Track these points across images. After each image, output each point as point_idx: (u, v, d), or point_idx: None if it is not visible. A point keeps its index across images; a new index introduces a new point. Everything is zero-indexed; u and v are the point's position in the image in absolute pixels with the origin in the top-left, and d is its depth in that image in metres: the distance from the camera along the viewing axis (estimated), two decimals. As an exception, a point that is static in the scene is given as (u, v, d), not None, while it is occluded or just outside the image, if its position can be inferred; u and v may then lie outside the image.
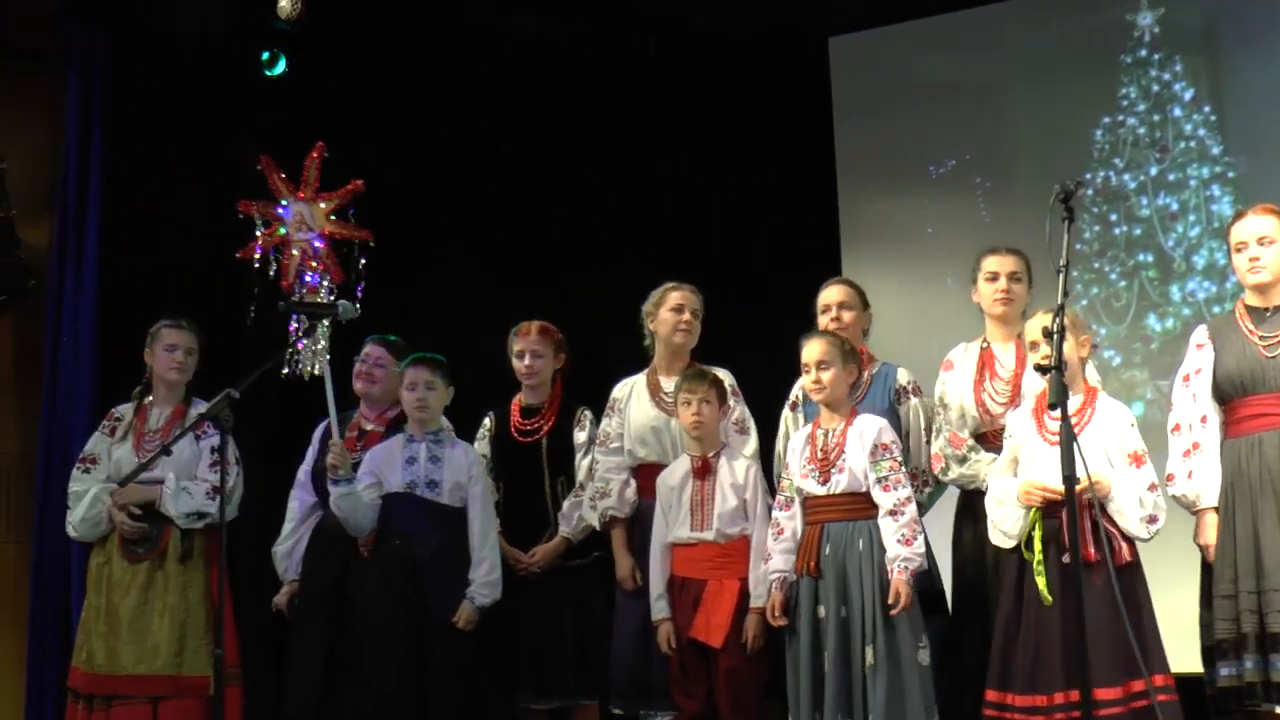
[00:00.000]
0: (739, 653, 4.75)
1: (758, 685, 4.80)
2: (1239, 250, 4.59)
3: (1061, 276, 3.87)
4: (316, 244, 5.24)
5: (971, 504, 4.86)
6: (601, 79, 7.54)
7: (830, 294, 5.17)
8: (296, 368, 5.02)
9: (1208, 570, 4.52)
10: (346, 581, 5.13)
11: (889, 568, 4.52)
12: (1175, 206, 6.75)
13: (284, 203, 5.22)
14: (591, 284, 6.95)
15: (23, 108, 6.45)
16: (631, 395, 5.26)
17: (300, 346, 5.15)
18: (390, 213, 6.53)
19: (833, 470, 4.66)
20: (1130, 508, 4.33)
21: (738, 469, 4.91)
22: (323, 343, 5.08)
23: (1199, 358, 4.63)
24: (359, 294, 5.77)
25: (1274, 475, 4.40)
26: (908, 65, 7.44)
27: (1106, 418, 4.47)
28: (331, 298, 5.24)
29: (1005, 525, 4.52)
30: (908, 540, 4.53)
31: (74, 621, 5.63)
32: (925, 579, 4.68)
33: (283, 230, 5.23)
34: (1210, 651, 4.47)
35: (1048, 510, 4.39)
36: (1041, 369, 4.01)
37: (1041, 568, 4.35)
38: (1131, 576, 4.31)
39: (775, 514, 4.79)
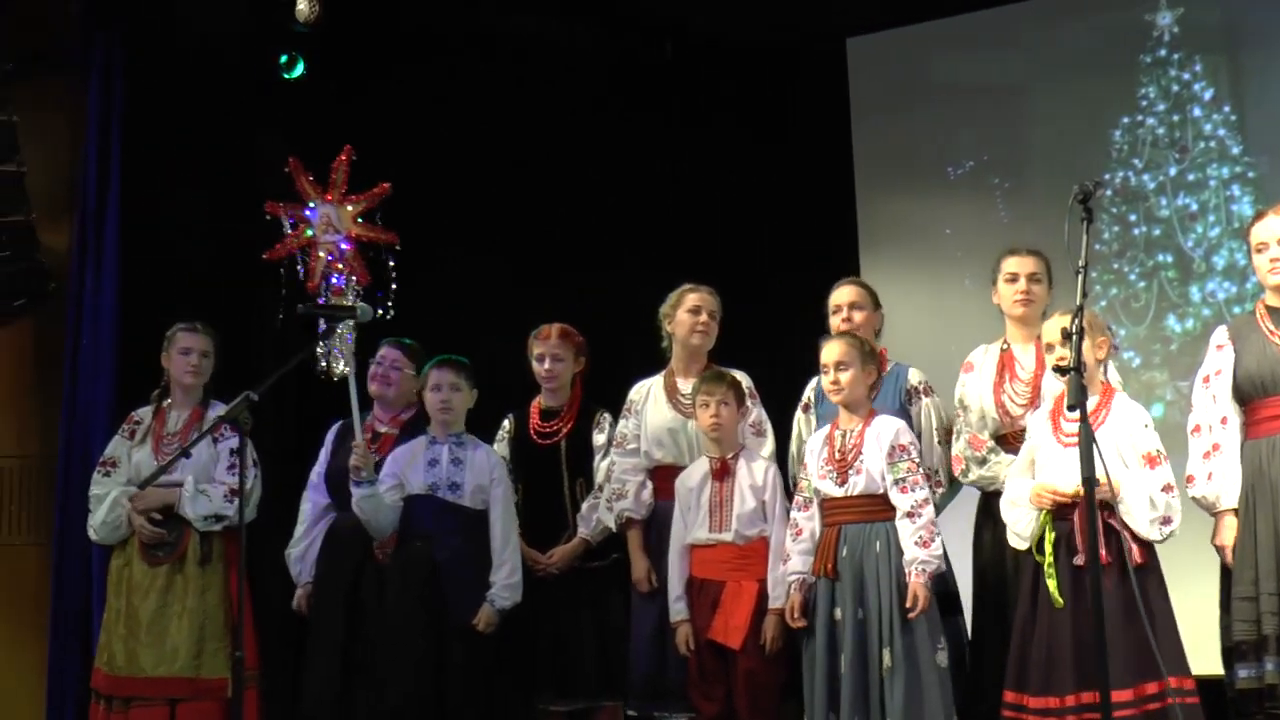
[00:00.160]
0: (757, 654, 4.75)
1: (776, 687, 4.79)
2: (1259, 251, 4.58)
3: (1080, 277, 3.85)
4: (343, 246, 5.26)
5: (991, 506, 4.85)
6: (616, 82, 7.55)
7: (841, 294, 5.17)
8: (332, 367, 5.04)
9: (1228, 572, 4.50)
10: (361, 583, 5.14)
11: (906, 570, 4.51)
12: (1195, 207, 6.72)
13: (311, 205, 5.24)
14: (609, 286, 6.95)
15: (43, 111, 6.47)
16: (648, 397, 5.26)
17: (324, 348, 5.17)
18: (401, 213, 6.54)
19: (850, 472, 4.65)
20: (1140, 509, 4.29)
21: (756, 470, 4.91)
22: (350, 344, 5.10)
23: (1219, 359, 4.62)
24: (382, 294, 5.77)
25: (1294, 476, 4.39)
26: (926, 66, 7.43)
27: (1121, 418, 4.45)
28: (357, 299, 5.26)
29: (1018, 527, 4.52)
30: (925, 542, 4.52)
31: (94, 622, 5.67)
32: (939, 580, 4.67)
33: (310, 232, 5.24)
34: (1230, 653, 4.45)
35: (1058, 512, 4.38)
36: (1060, 370, 3.99)
37: (1052, 570, 4.34)
38: (1146, 578, 4.27)
39: (794, 514, 4.79)
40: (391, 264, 5.20)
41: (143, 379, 5.54)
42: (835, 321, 5.10)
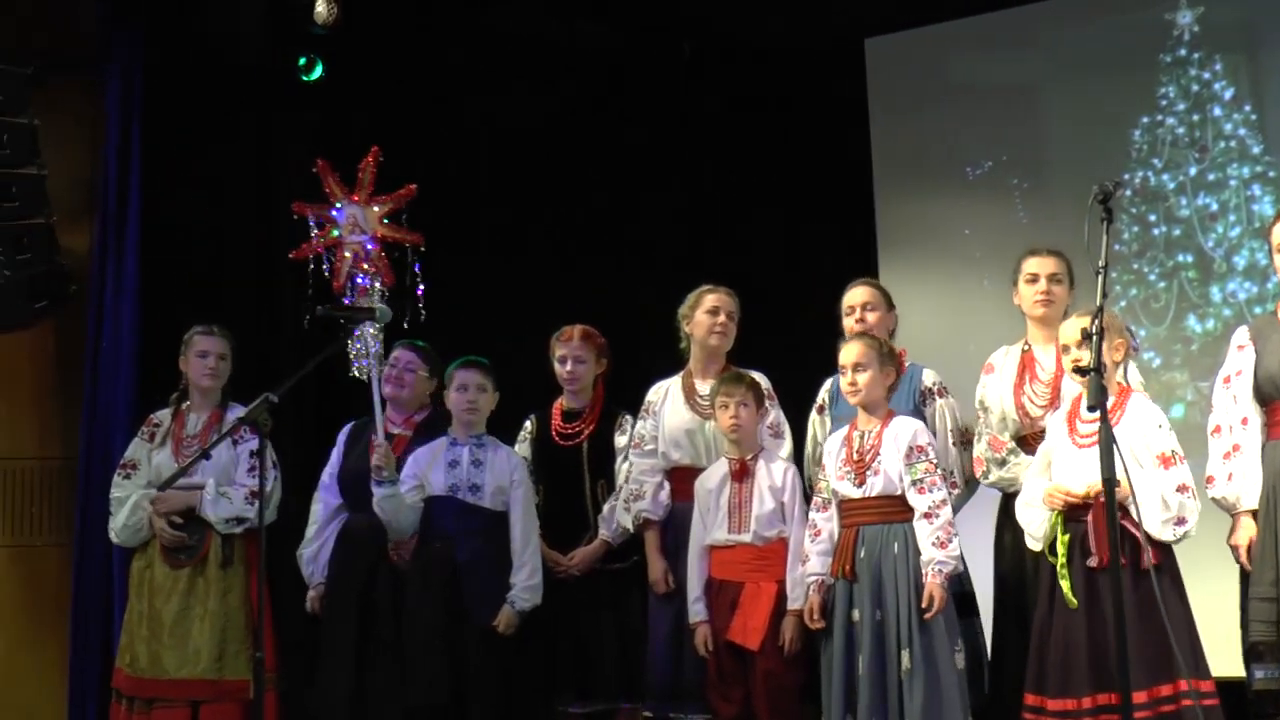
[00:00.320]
0: (776, 655, 4.74)
1: (795, 688, 4.79)
2: (1281, 251, 4.56)
3: (1100, 278, 3.84)
4: (369, 246, 5.26)
5: (1012, 508, 4.81)
6: (636, 82, 7.55)
7: (855, 295, 5.16)
8: (365, 368, 5.05)
9: (1248, 573, 4.48)
10: (377, 583, 5.15)
11: (924, 571, 4.51)
12: (1215, 207, 6.70)
13: (338, 205, 5.25)
14: (627, 287, 6.95)
15: (63, 114, 6.49)
16: (666, 398, 5.25)
17: (355, 349, 5.18)
18: (419, 214, 6.55)
19: (868, 473, 4.65)
20: (1152, 510, 4.27)
21: (775, 471, 4.91)
22: (376, 345, 5.10)
23: (1240, 359, 4.60)
24: (422, 292, 5.76)
25: (1315, 477, 4.37)
26: (944, 66, 7.42)
27: (1135, 419, 4.43)
28: (383, 299, 5.27)
29: (1031, 528, 4.52)
30: (943, 543, 4.52)
31: (115, 622, 5.68)
32: (956, 581, 4.67)
33: (336, 232, 5.25)
34: (1249, 654, 4.43)
35: (1071, 514, 4.37)
36: (1081, 370, 3.98)
37: (1065, 570, 4.34)
38: (1162, 580, 4.23)
39: (812, 515, 4.79)
40: (418, 267, 5.20)
41: (163, 380, 5.57)
42: (849, 323, 5.10)
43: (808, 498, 4.90)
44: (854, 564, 4.60)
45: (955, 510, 4.80)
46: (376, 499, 4.98)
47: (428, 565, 5.00)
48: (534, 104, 7.38)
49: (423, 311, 5.29)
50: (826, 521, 4.74)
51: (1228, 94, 6.73)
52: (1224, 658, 4.50)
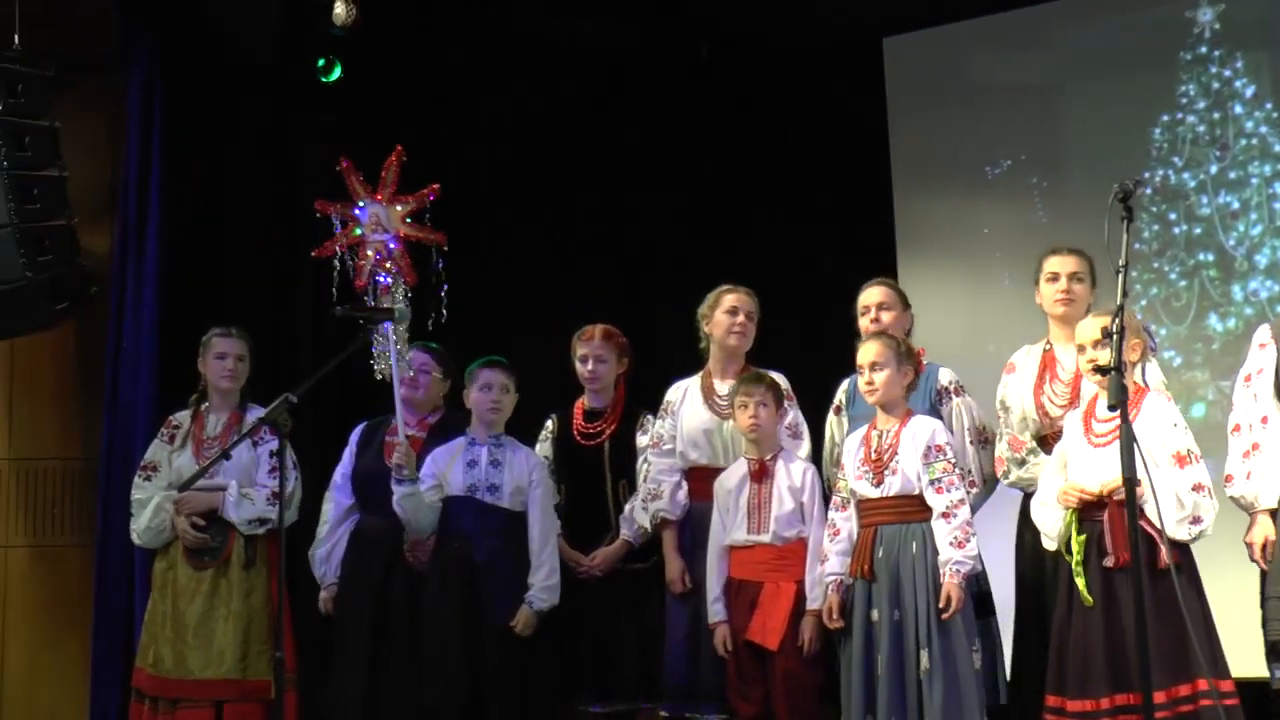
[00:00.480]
0: (795, 655, 4.74)
1: (814, 688, 4.79)
2: (1302, 249, 4.54)
3: (1120, 277, 3.83)
4: (391, 245, 5.27)
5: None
6: (654, 82, 7.54)
7: (870, 295, 5.15)
8: (394, 367, 5.07)
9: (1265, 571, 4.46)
10: (392, 584, 5.15)
11: (942, 571, 4.50)
12: (1236, 205, 6.66)
13: (361, 204, 5.26)
14: (647, 286, 6.95)
15: (83, 115, 6.51)
16: (685, 398, 5.25)
17: (380, 349, 5.20)
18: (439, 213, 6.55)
19: (886, 472, 4.64)
20: (1167, 509, 4.24)
21: (794, 472, 4.90)
22: (399, 345, 5.11)
23: (1261, 357, 4.57)
24: (444, 291, 5.77)
25: (1336, 476, 4.34)
26: (963, 65, 7.39)
27: (1151, 417, 4.41)
28: (406, 298, 5.28)
29: (1046, 527, 4.51)
30: (960, 543, 4.51)
31: (136, 622, 5.70)
32: (973, 581, 4.66)
33: (358, 231, 5.26)
34: (1270, 652, 4.41)
35: (1086, 513, 4.35)
36: (1099, 370, 3.97)
37: (1080, 569, 4.32)
38: (1179, 579, 4.20)
39: (831, 514, 4.78)
40: (441, 265, 5.21)
41: (183, 380, 5.58)
42: (864, 322, 5.09)
43: (826, 498, 4.90)
44: (872, 564, 4.60)
45: (973, 510, 4.79)
46: (396, 497, 5.00)
47: (446, 565, 5.01)
48: (554, 102, 7.39)
49: (445, 312, 5.30)
50: (845, 521, 4.73)
51: (1249, 91, 6.69)
52: (1246, 657, 4.47)
